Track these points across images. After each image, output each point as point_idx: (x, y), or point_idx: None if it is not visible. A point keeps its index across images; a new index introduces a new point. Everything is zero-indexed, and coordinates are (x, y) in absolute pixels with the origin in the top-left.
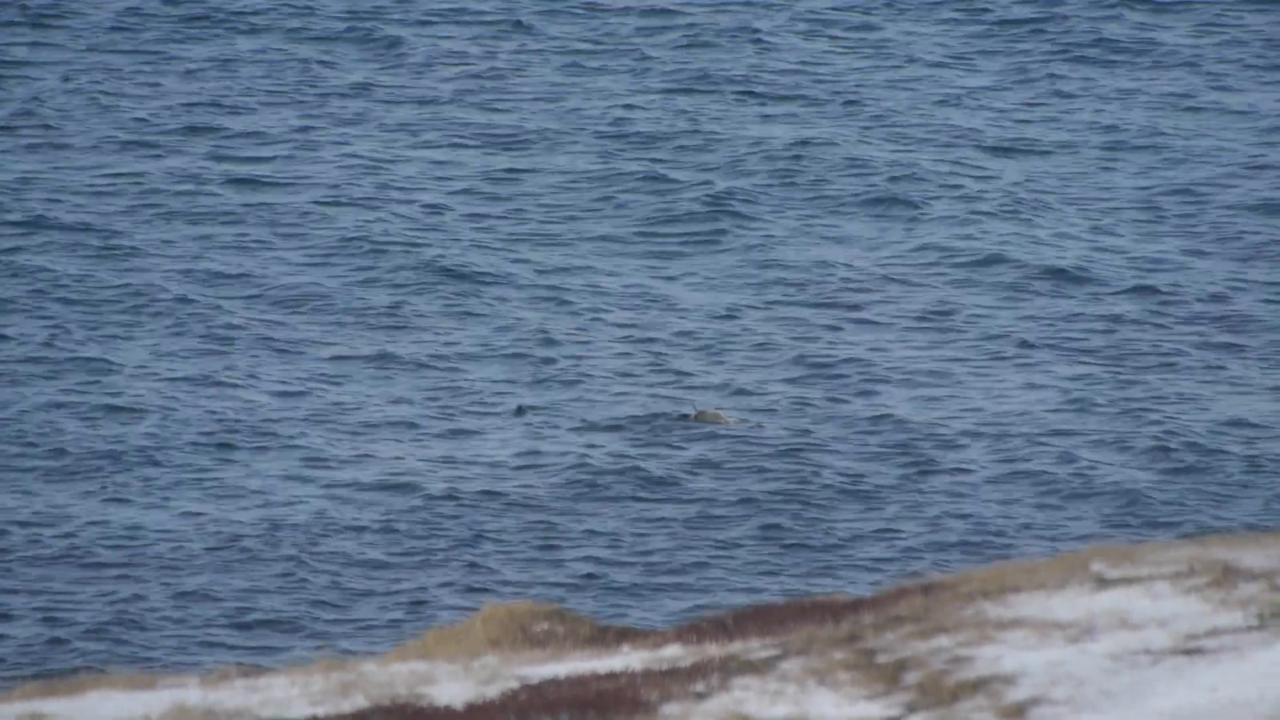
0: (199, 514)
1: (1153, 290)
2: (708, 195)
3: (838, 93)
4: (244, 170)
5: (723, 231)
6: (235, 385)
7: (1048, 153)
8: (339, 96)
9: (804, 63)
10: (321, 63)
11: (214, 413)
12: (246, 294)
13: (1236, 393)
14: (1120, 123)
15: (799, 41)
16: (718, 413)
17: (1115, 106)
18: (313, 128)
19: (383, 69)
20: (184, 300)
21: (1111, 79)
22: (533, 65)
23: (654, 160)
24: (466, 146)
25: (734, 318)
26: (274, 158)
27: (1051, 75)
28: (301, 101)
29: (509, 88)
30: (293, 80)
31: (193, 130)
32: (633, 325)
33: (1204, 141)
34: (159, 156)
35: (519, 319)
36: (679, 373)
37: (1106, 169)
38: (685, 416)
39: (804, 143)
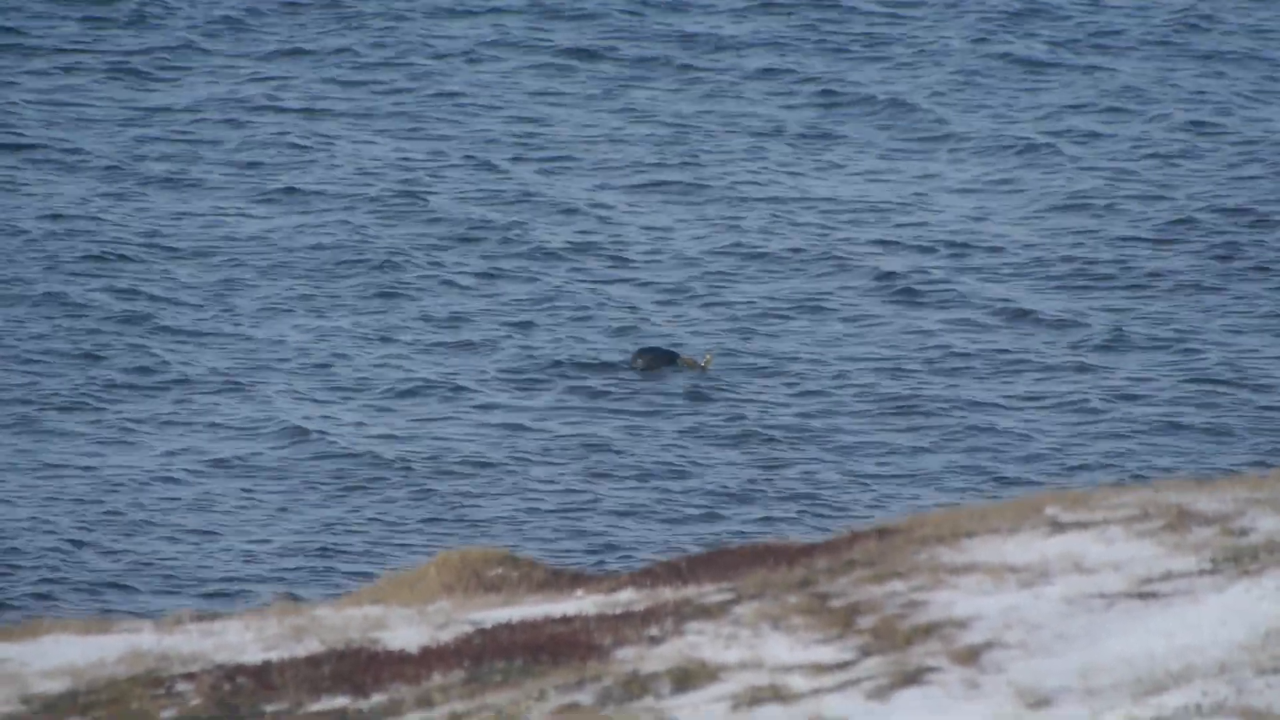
0: (154, 459)
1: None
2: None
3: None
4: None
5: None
6: (204, 334)
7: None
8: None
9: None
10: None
11: (179, 359)
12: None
13: (1190, 346)
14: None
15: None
16: (694, 360)
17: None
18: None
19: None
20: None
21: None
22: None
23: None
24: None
25: (696, 263)
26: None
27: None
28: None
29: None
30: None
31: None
32: (585, 270)
33: None
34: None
35: (479, 268)
36: (637, 317)
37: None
38: (638, 361)
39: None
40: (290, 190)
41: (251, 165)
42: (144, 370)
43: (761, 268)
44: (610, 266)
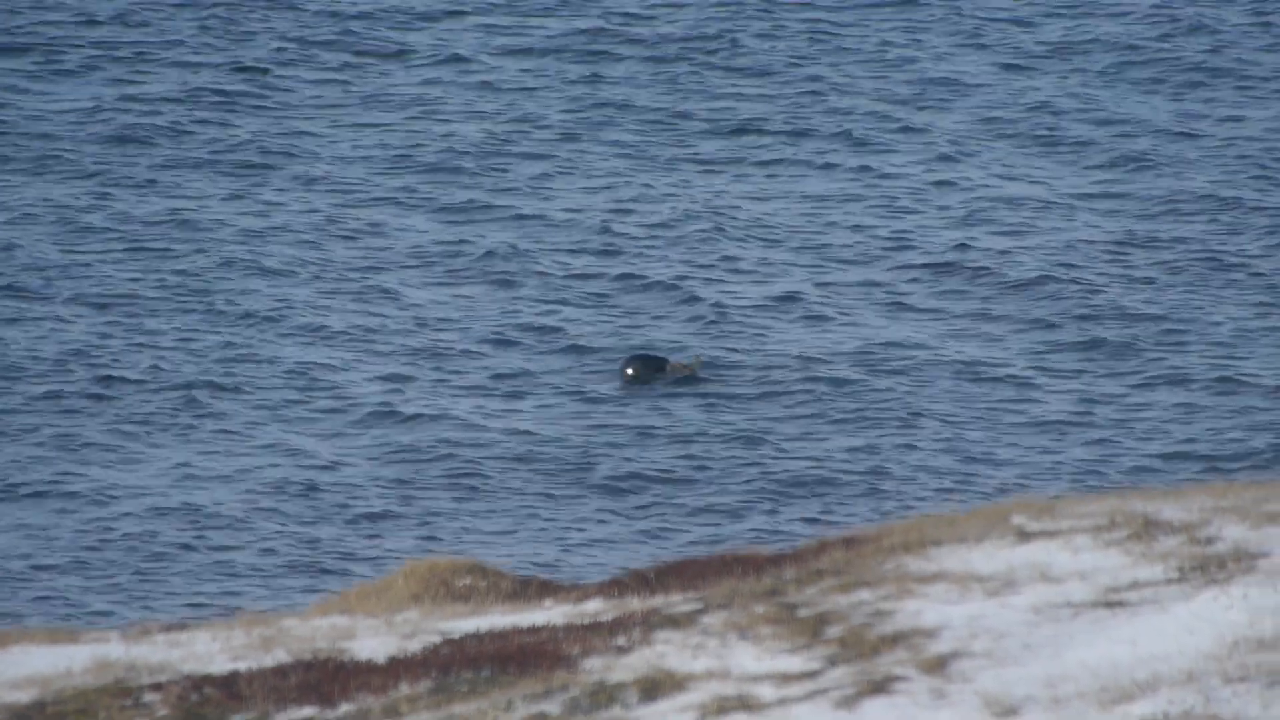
0: (119, 471)
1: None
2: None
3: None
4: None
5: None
6: (170, 345)
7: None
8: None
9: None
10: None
11: (143, 369)
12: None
13: (1157, 354)
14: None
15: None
16: (683, 364)
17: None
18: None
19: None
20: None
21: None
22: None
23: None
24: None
25: (676, 273)
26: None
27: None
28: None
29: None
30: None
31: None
32: (574, 276)
33: None
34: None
35: (443, 279)
36: (614, 325)
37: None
38: (628, 370)
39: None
40: (272, 191)
41: (243, 164)
42: (106, 381)
43: (746, 270)
44: (597, 271)
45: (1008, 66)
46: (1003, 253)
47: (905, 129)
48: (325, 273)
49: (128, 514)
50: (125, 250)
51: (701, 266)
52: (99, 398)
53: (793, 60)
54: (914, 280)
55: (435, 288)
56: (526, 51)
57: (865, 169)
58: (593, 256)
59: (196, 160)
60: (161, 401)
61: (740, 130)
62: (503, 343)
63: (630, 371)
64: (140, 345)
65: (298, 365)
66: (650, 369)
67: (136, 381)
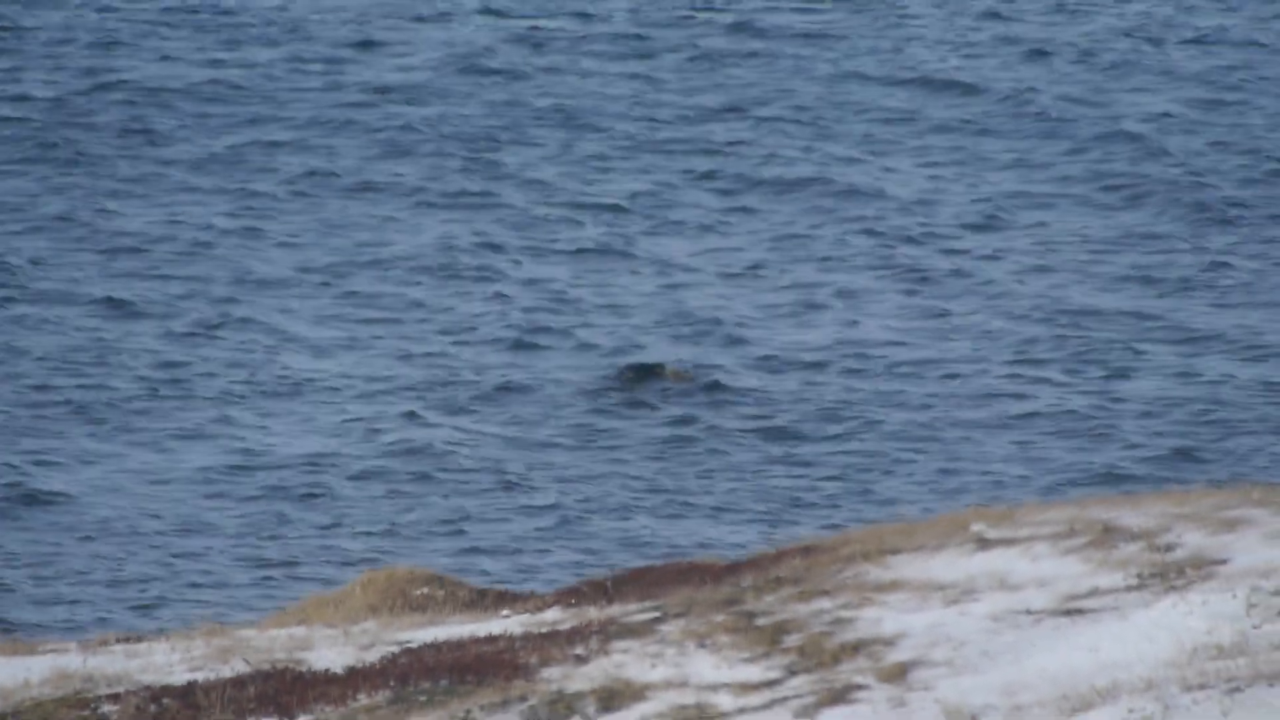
0: (74, 479)
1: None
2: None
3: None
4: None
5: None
6: (128, 349)
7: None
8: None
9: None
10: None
11: (99, 378)
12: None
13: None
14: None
15: None
16: (678, 370)
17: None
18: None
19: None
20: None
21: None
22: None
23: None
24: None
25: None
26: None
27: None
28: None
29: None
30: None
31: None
32: (565, 282)
33: None
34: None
35: (396, 291)
36: (621, 333)
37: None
38: (625, 375)
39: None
40: (246, 193)
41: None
42: (58, 390)
43: (737, 280)
44: (590, 279)
45: (993, 65)
46: (979, 256)
47: (883, 138)
48: (290, 280)
49: (86, 524)
50: (84, 251)
51: (677, 275)
52: (51, 406)
53: (781, 59)
54: (874, 288)
55: (410, 293)
56: (525, 39)
57: (829, 180)
58: (564, 262)
59: (173, 162)
60: (115, 411)
61: (724, 133)
62: (471, 351)
63: (626, 376)
64: (86, 354)
65: (256, 374)
66: (645, 375)
67: (87, 391)
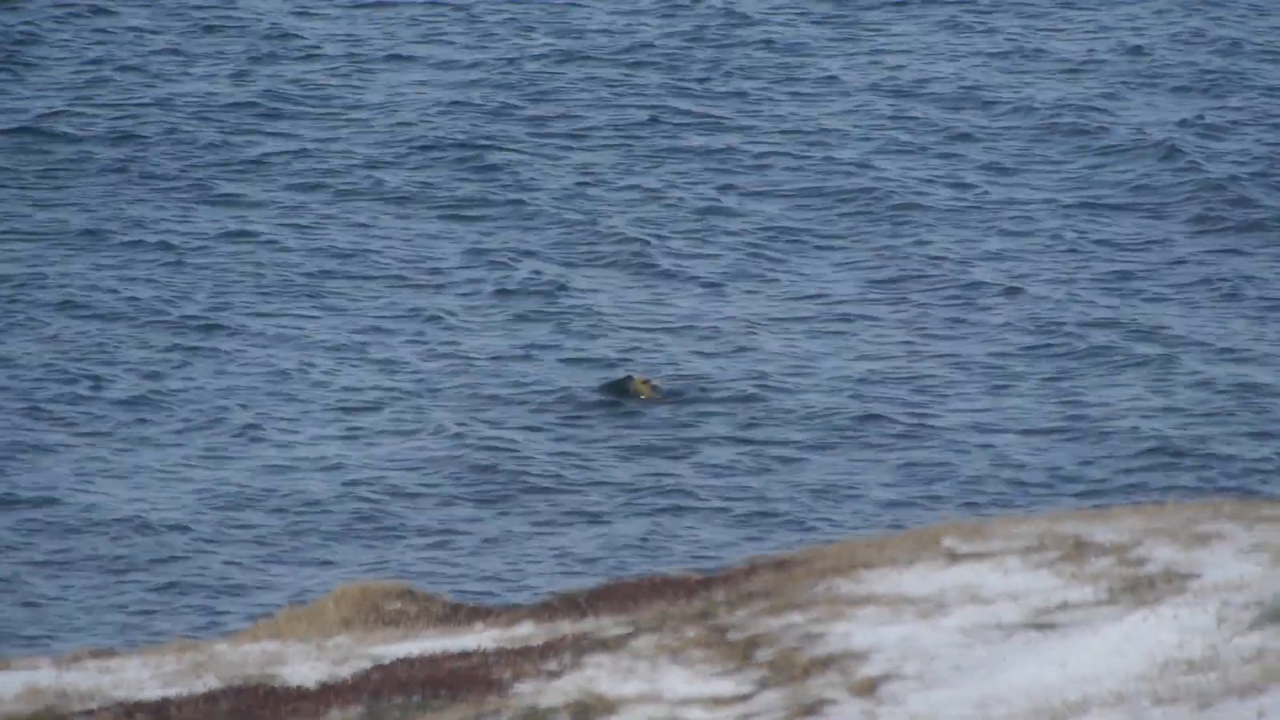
0: (46, 493)
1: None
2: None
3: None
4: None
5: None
6: (96, 364)
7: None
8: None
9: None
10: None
11: (74, 390)
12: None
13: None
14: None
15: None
16: (648, 382)
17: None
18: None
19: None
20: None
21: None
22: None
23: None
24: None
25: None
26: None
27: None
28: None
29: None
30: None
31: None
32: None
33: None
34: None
35: (385, 299)
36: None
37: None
38: (596, 390)
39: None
40: (230, 197)
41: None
42: (30, 400)
43: (699, 287)
44: (554, 287)
45: (981, 67)
46: (956, 261)
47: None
48: (267, 288)
49: (56, 537)
50: (68, 258)
51: (660, 285)
52: (23, 415)
53: (762, 68)
54: (853, 297)
55: (386, 303)
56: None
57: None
58: (542, 269)
59: (157, 168)
60: (88, 422)
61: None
62: (446, 364)
63: (601, 389)
64: (57, 362)
65: (229, 384)
66: (614, 389)
67: (60, 401)
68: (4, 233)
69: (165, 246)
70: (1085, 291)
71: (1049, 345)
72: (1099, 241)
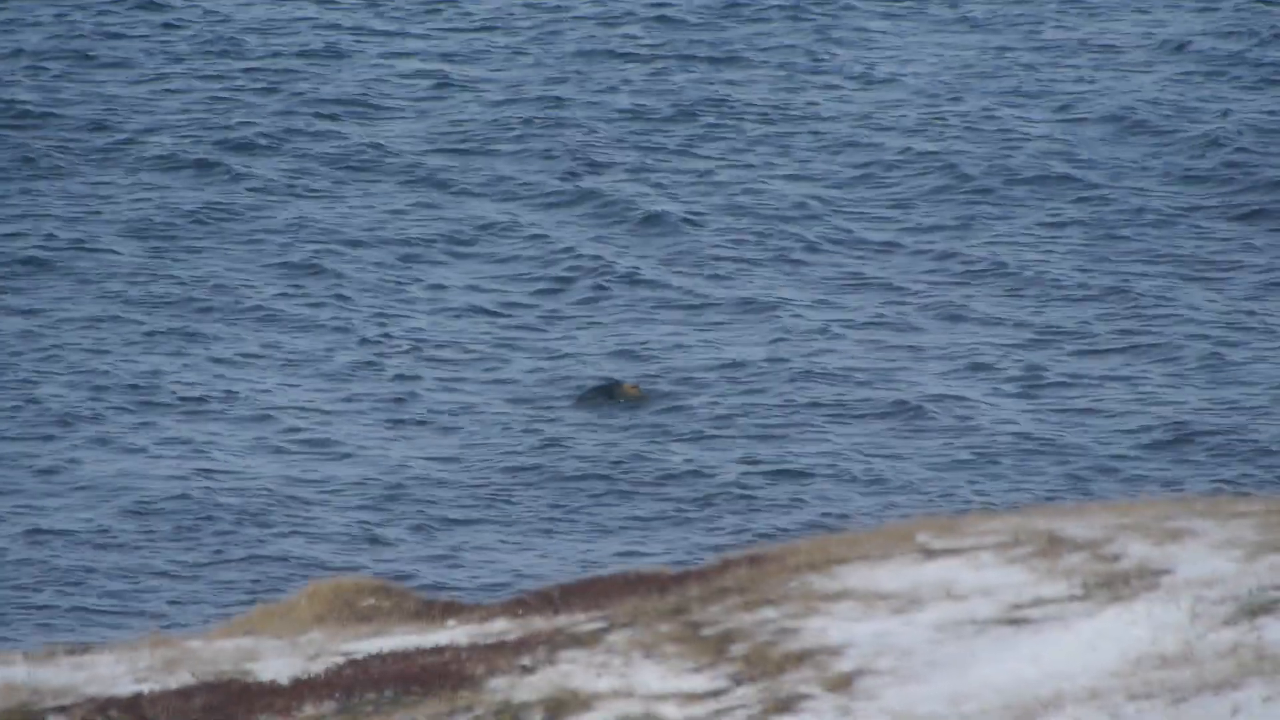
0: (22, 491)
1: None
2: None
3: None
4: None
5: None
6: (78, 365)
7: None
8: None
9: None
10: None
11: (55, 389)
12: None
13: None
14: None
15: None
16: (633, 387)
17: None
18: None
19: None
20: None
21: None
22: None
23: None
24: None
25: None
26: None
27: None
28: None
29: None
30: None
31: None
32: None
33: None
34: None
35: (371, 306)
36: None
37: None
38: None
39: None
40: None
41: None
42: (33, 394)
43: (697, 293)
44: (551, 294)
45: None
46: (939, 254)
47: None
48: (250, 287)
49: (29, 533)
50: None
51: (640, 290)
52: (21, 413)
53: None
54: (829, 300)
55: (368, 307)
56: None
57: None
58: (521, 273)
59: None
60: (58, 417)
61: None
62: (427, 365)
63: (579, 393)
64: (34, 362)
65: (205, 380)
66: (599, 393)
67: (33, 399)
68: None
69: (169, 229)
70: (1094, 280)
71: (1021, 345)
72: (1085, 242)
